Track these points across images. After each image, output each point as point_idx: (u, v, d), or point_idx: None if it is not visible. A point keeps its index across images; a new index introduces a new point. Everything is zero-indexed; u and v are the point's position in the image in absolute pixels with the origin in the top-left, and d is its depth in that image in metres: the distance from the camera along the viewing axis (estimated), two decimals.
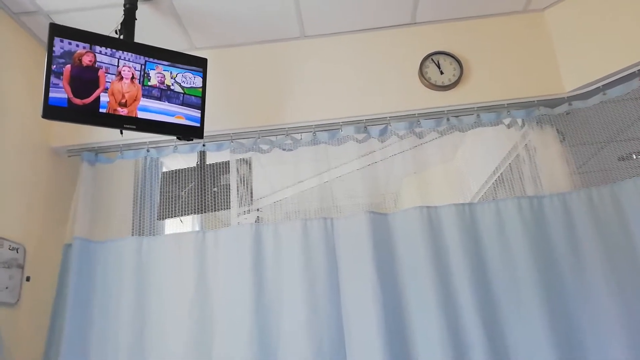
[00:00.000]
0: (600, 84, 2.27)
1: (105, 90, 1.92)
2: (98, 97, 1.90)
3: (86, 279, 2.18)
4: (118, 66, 1.95)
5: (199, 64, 2.16)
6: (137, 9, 2.16)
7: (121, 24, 2.10)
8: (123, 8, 2.12)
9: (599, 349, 1.89)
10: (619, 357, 1.84)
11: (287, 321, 2.03)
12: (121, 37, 2.07)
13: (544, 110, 2.34)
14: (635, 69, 2.17)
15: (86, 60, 1.88)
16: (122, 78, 1.95)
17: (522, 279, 2.00)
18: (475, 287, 2.00)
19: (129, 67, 1.97)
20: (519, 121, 2.41)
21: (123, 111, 1.94)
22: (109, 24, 2.24)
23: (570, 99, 2.35)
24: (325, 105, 2.41)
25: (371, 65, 2.47)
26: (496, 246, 2.08)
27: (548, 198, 2.15)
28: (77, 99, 1.86)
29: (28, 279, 2.10)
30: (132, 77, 1.97)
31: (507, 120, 2.39)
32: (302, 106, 2.42)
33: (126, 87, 1.95)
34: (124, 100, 1.94)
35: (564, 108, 2.33)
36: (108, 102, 1.92)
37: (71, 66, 1.85)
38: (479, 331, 1.92)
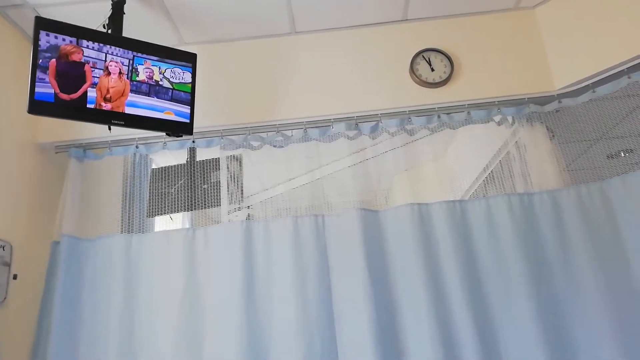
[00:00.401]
0: (589, 82, 2.28)
1: (93, 85, 1.89)
2: (85, 92, 1.87)
3: (74, 276, 2.16)
4: (105, 61, 1.92)
5: (188, 60, 2.13)
6: (125, 3, 2.13)
7: (109, 18, 2.07)
8: (111, 2, 2.09)
9: (587, 345, 1.91)
10: (607, 353, 1.86)
11: (277, 319, 2.03)
12: (109, 31, 2.04)
13: (534, 108, 2.35)
14: (624, 67, 2.18)
15: (72, 54, 1.85)
16: (109, 73, 1.92)
17: (512, 276, 2.01)
18: (465, 284, 2.00)
19: (116, 62, 1.94)
20: (509, 118, 2.42)
21: (107, 106, 1.91)
22: (96, 18, 2.20)
23: (560, 96, 2.36)
24: (316, 101, 2.40)
25: (362, 62, 2.46)
26: (486, 243, 2.09)
27: (538, 195, 2.16)
28: (64, 94, 1.83)
29: (15, 277, 2.07)
30: (120, 72, 1.94)
31: (497, 118, 2.40)
32: (292, 102, 2.41)
33: (112, 83, 1.93)
34: (108, 96, 1.91)
35: (553, 105, 2.34)
36: (95, 97, 1.89)
37: (57, 60, 1.82)
38: (469, 328, 1.93)
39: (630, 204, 2.03)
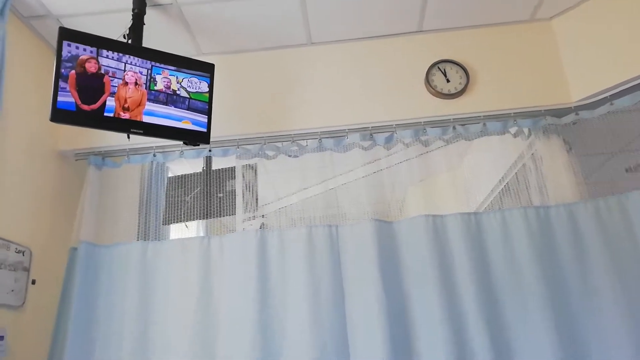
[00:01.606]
0: (607, 94, 2.26)
1: (112, 94, 1.93)
2: (105, 102, 1.91)
3: (91, 282, 2.19)
4: (124, 71, 1.96)
5: (206, 70, 2.17)
6: (145, 14, 2.17)
7: (129, 28, 2.11)
8: (131, 13, 2.14)
9: (604, 358, 1.87)
10: None
11: (290, 328, 2.03)
12: (129, 41, 2.08)
13: (551, 120, 2.33)
14: None
15: (89, 66, 1.89)
16: (126, 83, 1.96)
17: (527, 289, 1.99)
18: (480, 296, 1.99)
19: (134, 72, 1.98)
20: (526, 130, 2.40)
21: (125, 115, 1.94)
22: (117, 29, 2.25)
23: (577, 108, 2.33)
24: (331, 112, 2.41)
25: (377, 73, 2.47)
26: (502, 256, 2.07)
27: (554, 208, 2.13)
28: (84, 104, 1.87)
29: (34, 282, 2.11)
30: (136, 83, 1.98)
31: (513, 130, 2.38)
32: (308, 113, 2.42)
33: (130, 92, 1.96)
34: (126, 105, 1.95)
35: (570, 118, 2.32)
36: (114, 107, 1.93)
37: (75, 72, 1.86)
38: (484, 340, 1.91)
39: None
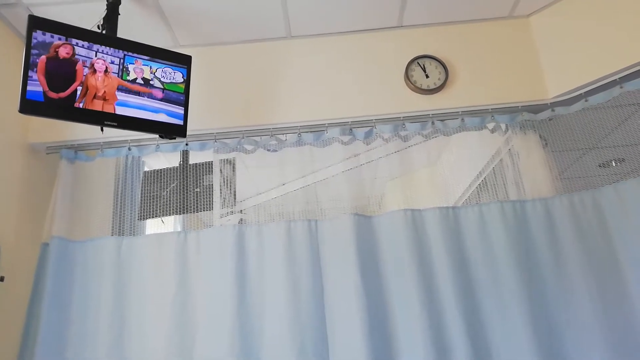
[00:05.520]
0: (582, 91, 2.30)
1: (81, 84, 1.87)
2: (75, 91, 1.85)
3: (63, 279, 2.12)
4: (94, 59, 1.90)
5: (182, 62, 2.12)
6: (120, 3, 2.12)
7: (104, 18, 2.06)
8: (106, 2, 2.08)
9: (579, 351, 1.91)
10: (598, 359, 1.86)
11: (269, 323, 2.01)
12: (103, 32, 2.03)
13: (528, 116, 2.36)
14: (616, 77, 2.20)
15: (63, 52, 1.83)
16: (95, 71, 1.90)
17: (504, 282, 2.01)
18: (458, 289, 2.00)
19: (103, 60, 1.92)
20: (503, 126, 2.42)
21: (98, 104, 1.88)
22: (91, 19, 2.19)
23: (553, 105, 2.37)
24: (310, 106, 2.40)
25: (357, 67, 2.46)
26: (479, 249, 2.09)
27: (530, 203, 2.16)
28: (52, 92, 1.80)
29: (2, 279, 2.04)
30: (106, 71, 1.92)
31: (491, 125, 2.41)
32: (287, 107, 2.40)
33: (100, 81, 1.90)
34: (100, 94, 1.89)
35: (547, 114, 2.36)
36: (81, 95, 1.86)
37: (47, 58, 1.79)
38: (461, 333, 1.93)
39: (622, 213, 2.04)
